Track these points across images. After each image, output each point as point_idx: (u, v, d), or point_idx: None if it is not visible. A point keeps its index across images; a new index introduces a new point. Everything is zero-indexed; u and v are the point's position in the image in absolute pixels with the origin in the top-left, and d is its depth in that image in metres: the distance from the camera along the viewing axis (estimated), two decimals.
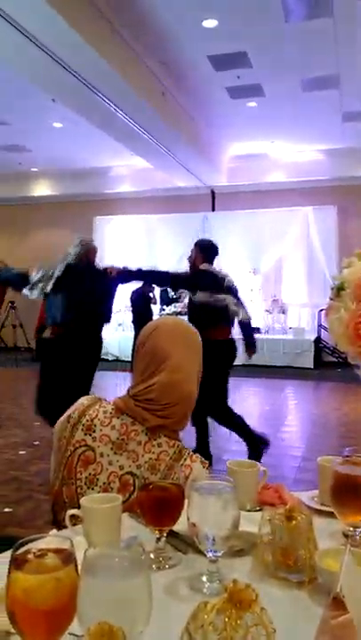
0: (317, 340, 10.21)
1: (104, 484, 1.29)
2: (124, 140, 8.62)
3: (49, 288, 3.85)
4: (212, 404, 3.97)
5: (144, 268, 4.44)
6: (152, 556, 0.99)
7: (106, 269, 4.07)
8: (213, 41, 6.28)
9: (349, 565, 0.73)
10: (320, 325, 10.19)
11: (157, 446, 1.31)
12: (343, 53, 6.39)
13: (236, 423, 4.12)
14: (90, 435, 1.33)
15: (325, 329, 9.13)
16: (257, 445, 4.06)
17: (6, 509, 3.39)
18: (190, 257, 4.28)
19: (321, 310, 9.64)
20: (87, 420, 1.34)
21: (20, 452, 4.57)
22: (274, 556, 0.95)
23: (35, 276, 3.92)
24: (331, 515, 1.09)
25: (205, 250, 4.27)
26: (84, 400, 1.41)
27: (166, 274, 4.43)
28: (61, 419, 1.38)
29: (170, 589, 0.91)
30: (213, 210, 11.75)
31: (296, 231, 11.06)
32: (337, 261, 10.71)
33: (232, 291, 4.15)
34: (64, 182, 12.22)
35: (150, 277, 4.72)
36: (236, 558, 1.00)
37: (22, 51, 5.47)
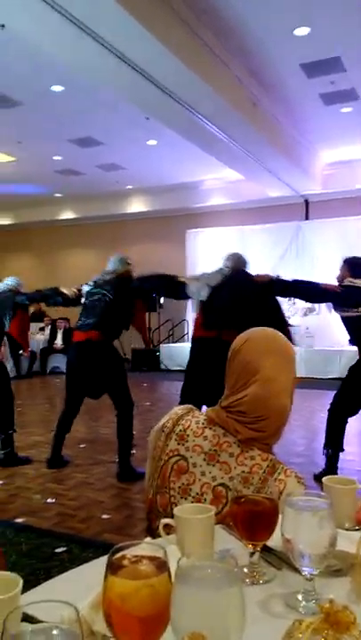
0: None
1: (197, 494, 1.29)
2: (215, 153, 8.70)
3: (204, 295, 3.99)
4: None
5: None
6: (246, 570, 0.98)
7: (256, 276, 4.10)
8: (305, 48, 6.21)
9: None
10: None
11: (250, 459, 1.29)
12: None
13: None
14: (183, 444, 1.34)
15: None
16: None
17: (104, 516, 3.50)
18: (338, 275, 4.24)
19: None
20: (180, 430, 1.36)
21: (117, 460, 4.70)
22: None
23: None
24: None
25: (354, 265, 4.22)
26: (177, 409, 1.43)
27: (316, 287, 4.20)
28: (156, 427, 1.41)
29: (264, 605, 0.89)
30: (307, 218, 11.53)
31: None
32: None
33: None
34: (157, 198, 12.55)
35: (301, 292, 4.44)
36: (333, 578, 0.96)
37: (119, 73, 5.71)
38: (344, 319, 4.14)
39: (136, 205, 12.93)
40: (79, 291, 4.62)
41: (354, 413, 4.12)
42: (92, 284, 4.50)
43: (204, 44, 5.99)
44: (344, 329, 4.19)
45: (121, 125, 8.43)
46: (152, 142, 9.26)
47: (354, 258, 4.30)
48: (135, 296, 4.48)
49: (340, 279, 4.19)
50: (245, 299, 3.89)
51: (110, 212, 13.06)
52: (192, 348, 4.13)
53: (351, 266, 4.21)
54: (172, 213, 12.56)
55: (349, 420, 4.14)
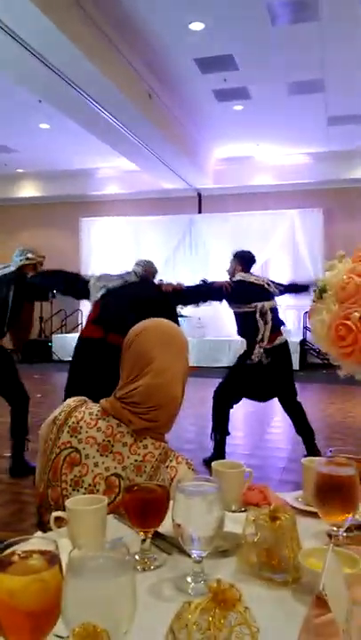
0: (303, 342, 10.26)
1: (90, 485, 1.29)
2: (110, 142, 8.61)
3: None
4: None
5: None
6: (137, 557, 1.00)
7: (160, 285, 4.03)
8: (200, 44, 6.30)
9: (332, 565, 0.74)
10: (305, 327, 10.25)
11: (143, 448, 1.31)
12: (328, 57, 6.45)
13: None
14: (75, 436, 1.33)
15: (310, 330, 9.22)
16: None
17: None
18: (229, 269, 4.36)
19: (306, 312, 9.69)
20: (73, 422, 1.34)
21: (6, 454, 4.54)
22: (258, 557, 0.96)
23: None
24: (315, 515, 1.10)
25: (244, 260, 4.34)
26: (70, 401, 1.41)
27: (211, 286, 4.28)
28: (47, 420, 1.38)
29: (155, 590, 0.91)
30: (200, 212, 11.77)
31: (282, 234, 11.11)
32: (323, 264, 10.77)
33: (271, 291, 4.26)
34: (50, 183, 12.17)
35: (202, 295, 4.45)
36: (220, 559, 1.00)
37: (7, 51, 5.45)
38: (236, 314, 4.25)
39: (27, 190, 12.44)
40: None
41: (238, 400, 4.29)
42: None
43: (100, 30, 5.88)
44: (235, 321, 4.32)
45: (12, 107, 8.04)
46: (45, 126, 8.95)
47: (243, 252, 4.42)
48: (30, 293, 4.31)
49: (232, 273, 4.31)
50: (142, 308, 3.81)
51: None
52: (77, 346, 4.04)
53: (241, 260, 4.34)
54: (65, 200, 12.24)
55: (237, 405, 4.31)
